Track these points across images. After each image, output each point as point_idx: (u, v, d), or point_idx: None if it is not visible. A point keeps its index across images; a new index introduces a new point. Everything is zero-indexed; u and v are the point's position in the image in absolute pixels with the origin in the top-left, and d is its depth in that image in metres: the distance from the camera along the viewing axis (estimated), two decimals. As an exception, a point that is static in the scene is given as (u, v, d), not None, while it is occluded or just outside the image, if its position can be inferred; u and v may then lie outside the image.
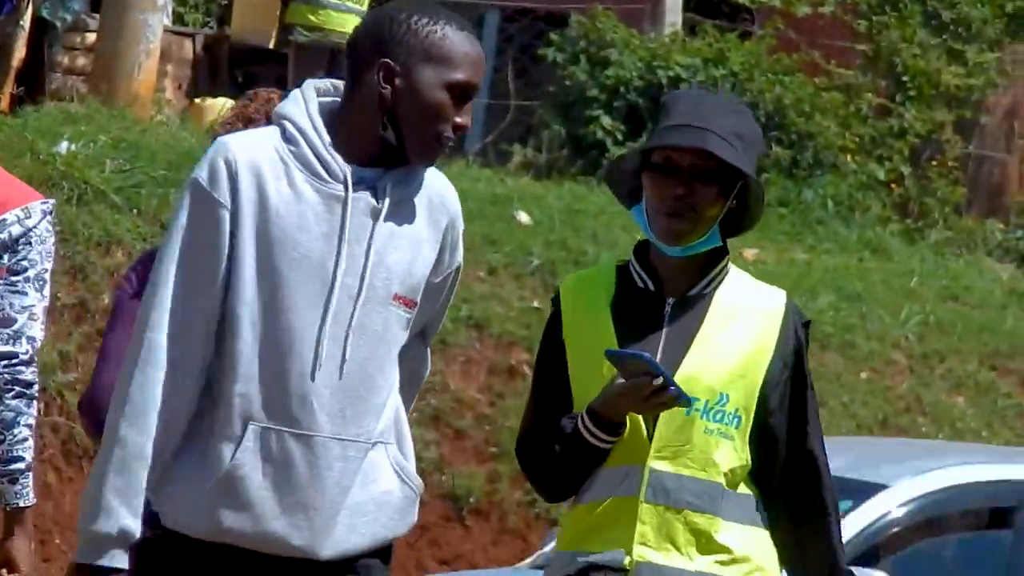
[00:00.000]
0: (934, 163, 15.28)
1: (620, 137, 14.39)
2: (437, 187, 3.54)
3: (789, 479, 3.77)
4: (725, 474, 3.67)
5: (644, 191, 3.70)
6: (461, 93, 3.45)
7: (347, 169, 3.41)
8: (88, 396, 4.33)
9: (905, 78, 15.31)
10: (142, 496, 3.40)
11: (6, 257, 4.25)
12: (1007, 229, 15.07)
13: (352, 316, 3.43)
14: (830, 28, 15.30)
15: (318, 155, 3.43)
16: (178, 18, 13.85)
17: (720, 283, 3.74)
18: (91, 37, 12.79)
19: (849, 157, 15.14)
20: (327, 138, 3.45)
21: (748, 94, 14.10)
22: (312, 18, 12.51)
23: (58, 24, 12.74)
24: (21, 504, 4.25)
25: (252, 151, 3.42)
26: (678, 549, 3.68)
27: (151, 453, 3.40)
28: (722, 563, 3.68)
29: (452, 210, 3.56)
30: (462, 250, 3.63)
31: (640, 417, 3.65)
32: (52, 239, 4.35)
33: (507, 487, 10.80)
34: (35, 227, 4.28)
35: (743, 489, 3.73)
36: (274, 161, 3.42)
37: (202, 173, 3.39)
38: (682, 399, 3.61)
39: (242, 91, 12.45)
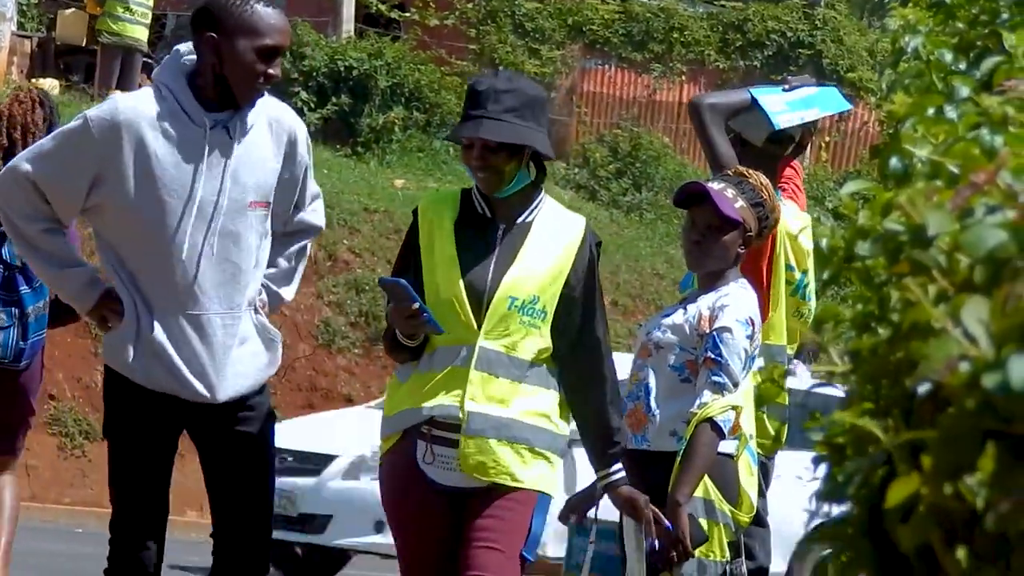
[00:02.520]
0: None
1: (312, 106, 20.68)
2: (275, 113, 4.55)
3: (578, 357, 4.54)
4: (533, 353, 4.48)
5: None
6: (269, 53, 4.37)
7: (206, 120, 4.40)
8: None
9: (501, 67, 22.81)
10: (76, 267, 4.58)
11: None
12: (568, 167, 22.37)
13: (216, 224, 4.45)
14: (451, 34, 22.61)
15: (184, 108, 4.41)
16: (20, 25, 20.08)
17: (538, 212, 4.54)
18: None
19: (463, 120, 22.76)
20: (189, 93, 4.41)
21: (398, 77, 20.70)
22: (113, 27, 18.59)
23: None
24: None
25: (136, 110, 4.40)
26: (497, 403, 4.44)
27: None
28: (526, 412, 4.48)
29: (288, 126, 4.56)
30: (309, 151, 4.65)
31: (470, 309, 4.40)
32: None
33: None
34: None
35: (545, 364, 4.52)
36: (151, 116, 4.39)
37: (93, 117, 4.41)
38: (431, 324, 4.30)
39: (64, 75, 19.78)
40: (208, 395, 4.54)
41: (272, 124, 4.57)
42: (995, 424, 2.09)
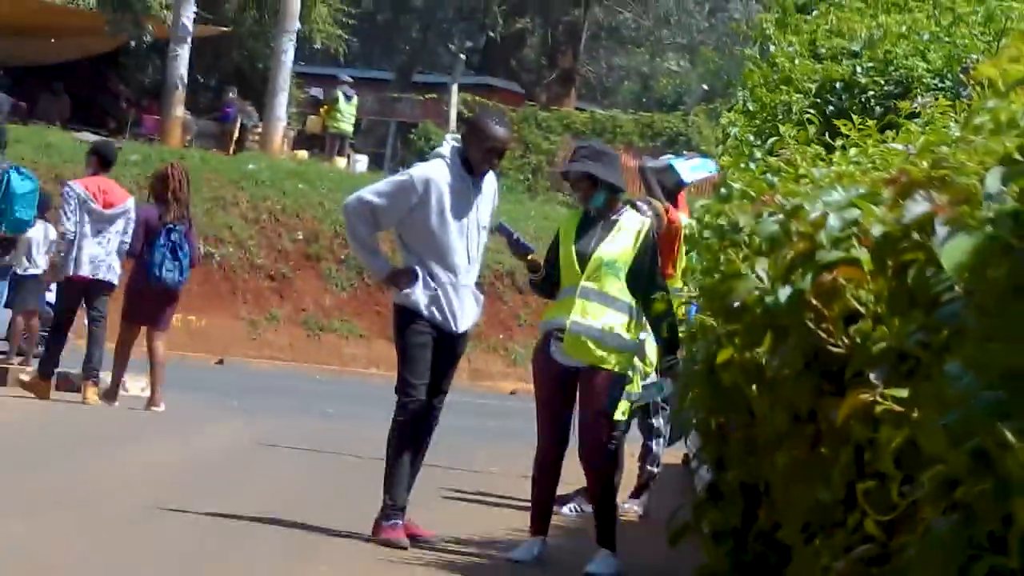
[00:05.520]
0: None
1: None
2: (490, 178, 8.17)
3: (645, 294, 7.69)
4: (614, 291, 7.74)
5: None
6: (494, 153, 8.06)
7: (469, 179, 8.06)
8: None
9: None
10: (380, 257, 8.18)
11: None
12: (564, 194, 24.69)
13: (470, 234, 8.07)
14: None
15: (459, 172, 8.03)
16: (288, 123, 30.25)
17: (621, 214, 7.92)
18: None
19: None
20: (459, 163, 8.03)
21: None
22: (333, 124, 33.50)
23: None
24: None
25: (437, 172, 8.03)
26: (588, 316, 7.71)
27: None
28: (607, 325, 7.69)
29: (494, 184, 8.22)
30: (496, 194, 8.26)
31: (578, 265, 7.79)
32: None
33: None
34: None
35: (622, 295, 7.74)
36: (446, 172, 8.02)
37: (414, 175, 8.06)
38: (522, 247, 8.04)
39: (309, 150, 33.75)
40: (456, 328, 8.05)
41: (488, 182, 8.15)
42: (770, 321, 4.06)
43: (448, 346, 8.05)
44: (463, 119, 36.90)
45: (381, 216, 8.01)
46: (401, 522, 7.81)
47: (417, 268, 7.99)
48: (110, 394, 13.92)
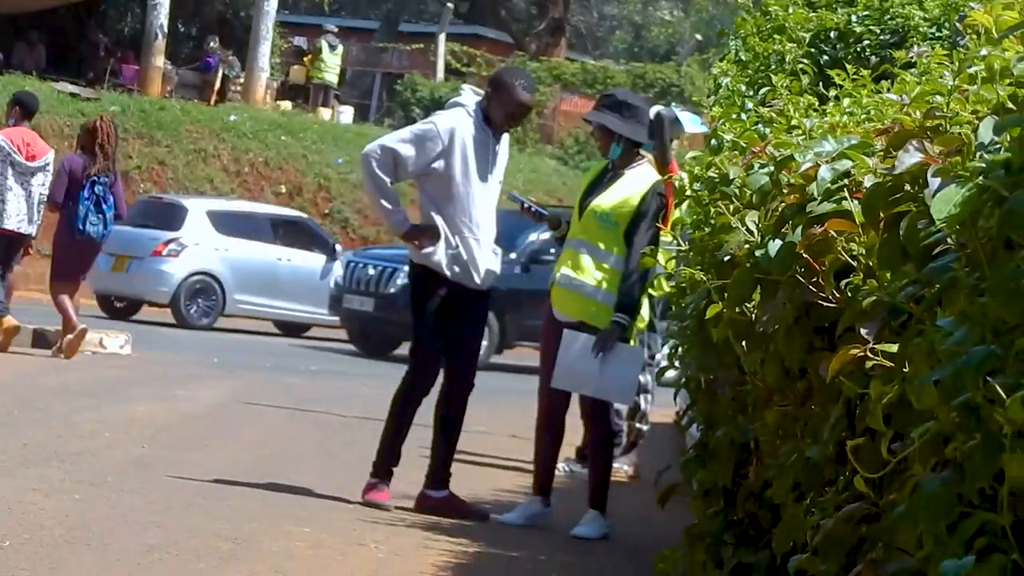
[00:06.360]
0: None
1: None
2: (504, 135, 7.91)
3: (630, 248, 7.46)
4: (606, 243, 7.54)
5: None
6: (516, 116, 7.88)
7: (490, 130, 7.78)
8: None
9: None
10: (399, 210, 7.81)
11: None
12: (554, 147, 25.34)
13: (490, 188, 7.79)
14: None
15: (481, 124, 7.75)
16: (271, 74, 31.16)
17: (633, 168, 7.65)
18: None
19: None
20: (482, 116, 7.75)
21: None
22: (317, 74, 32.71)
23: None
24: None
25: (462, 123, 7.73)
26: (578, 270, 7.56)
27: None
28: (600, 281, 7.51)
29: (506, 141, 7.94)
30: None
31: (578, 214, 7.64)
32: None
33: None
34: None
35: (614, 250, 7.53)
36: (469, 123, 7.72)
37: (438, 123, 7.73)
38: (537, 213, 8.03)
39: (292, 100, 33.27)
40: (479, 283, 7.79)
41: (504, 139, 7.92)
42: (760, 274, 4.02)
43: (473, 303, 7.83)
44: (451, 70, 36.83)
45: (403, 165, 7.70)
46: (387, 484, 7.74)
47: (440, 226, 7.74)
48: (70, 346, 13.77)
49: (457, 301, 7.75)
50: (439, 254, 7.71)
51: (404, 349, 17.28)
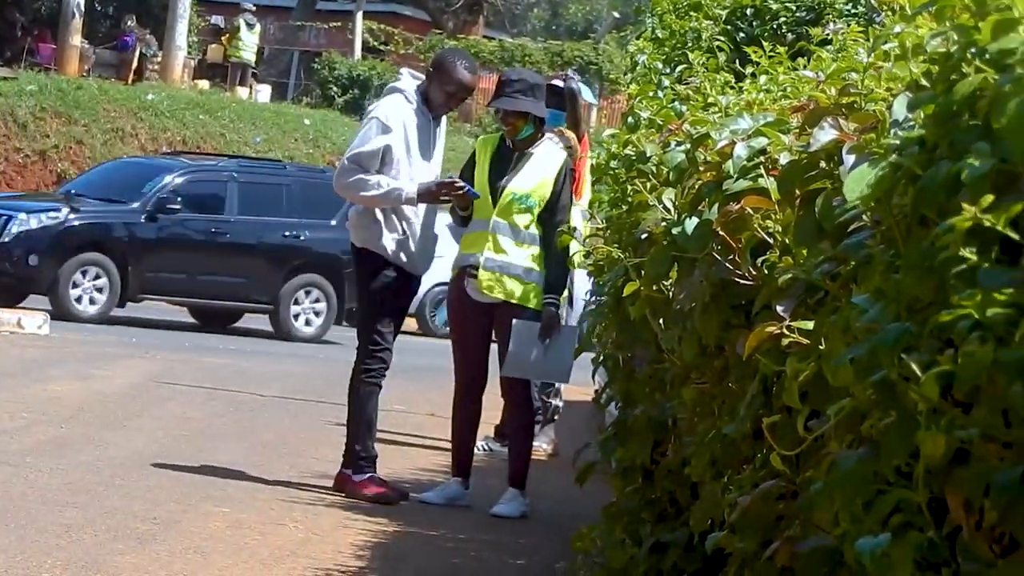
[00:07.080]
0: None
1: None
2: (443, 119, 7.94)
3: (548, 230, 7.49)
4: (523, 225, 7.57)
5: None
6: (457, 97, 7.91)
7: (430, 113, 7.79)
8: None
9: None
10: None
11: None
12: (472, 125, 24.65)
13: (434, 169, 7.74)
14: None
15: (420, 108, 7.75)
16: (188, 52, 30.95)
17: (538, 148, 7.66)
18: None
19: None
20: (420, 100, 7.75)
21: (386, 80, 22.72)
22: (235, 53, 32.32)
23: None
24: None
25: (402, 109, 7.73)
26: (500, 252, 7.53)
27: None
28: (519, 258, 7.54)
29: (443, 124, 7.95)
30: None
31: (491, 199, 7.57)
32: None
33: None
34: None
35: (531, 229, 7.57)
36: (409, 109, 7.72)
37: (380, 115, 7.71)
38: (470, 193, 7.57)
39: (211, 79, 33.24)
40: (421, 270, 7.75)
41: (442, 121, 7.93)
42: (677, 252, 4.00)
43: (412, 290, 7.85)
44: (368, 48, 36.71)
45: (367, 162, 7.64)
46: (376, 474, 7.67)
47: (389, 213, 7.70)
48: None
49: (399, 286, 7.73)
50: (385, 239, 7.67)
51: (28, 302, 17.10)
